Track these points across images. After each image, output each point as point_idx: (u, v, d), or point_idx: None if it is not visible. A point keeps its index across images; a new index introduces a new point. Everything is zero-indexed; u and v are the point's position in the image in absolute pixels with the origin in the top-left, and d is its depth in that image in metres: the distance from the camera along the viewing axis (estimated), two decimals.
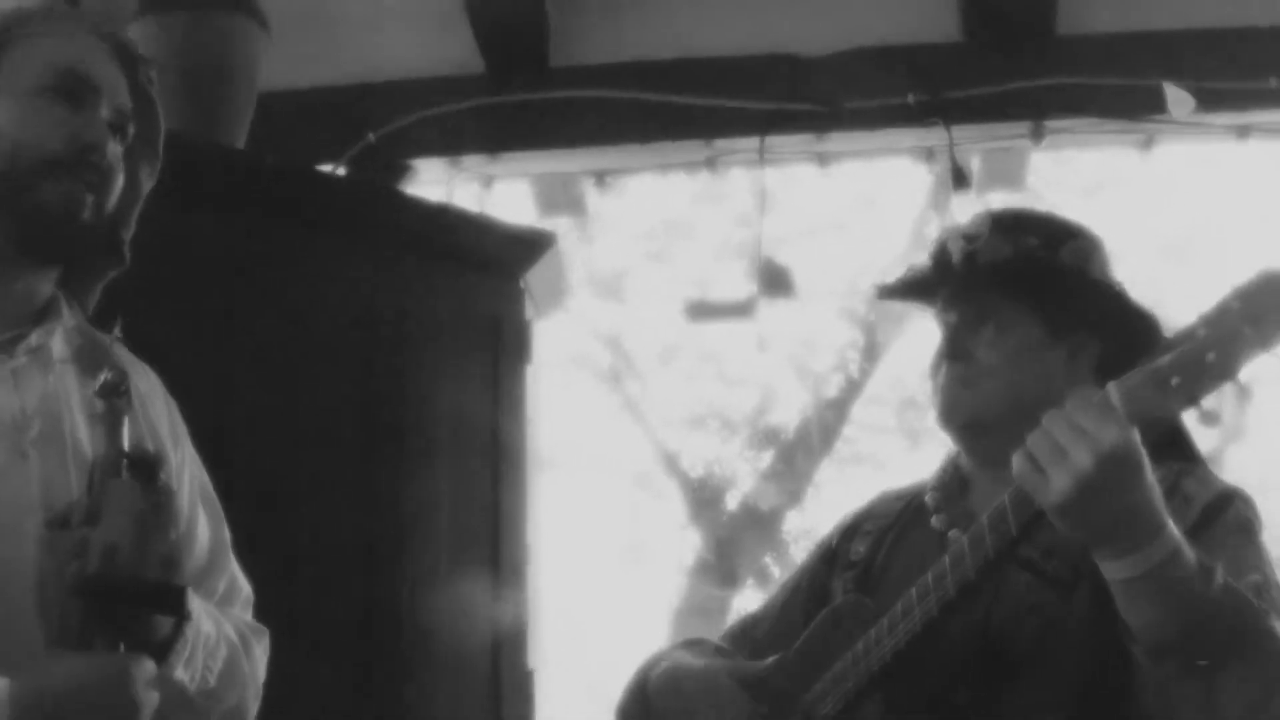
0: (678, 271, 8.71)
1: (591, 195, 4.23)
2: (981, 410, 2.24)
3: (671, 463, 9.68)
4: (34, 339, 2.05)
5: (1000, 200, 3.90)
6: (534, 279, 3.53)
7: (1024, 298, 2.26)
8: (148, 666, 1.82)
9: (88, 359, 2.06)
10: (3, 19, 2.13)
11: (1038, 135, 3.78)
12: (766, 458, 9.49)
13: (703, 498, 9.54)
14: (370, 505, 3.17)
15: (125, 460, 1.86)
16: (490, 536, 3.36)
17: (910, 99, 3.76)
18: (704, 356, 9.31)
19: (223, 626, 2.09)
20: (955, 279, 2.32)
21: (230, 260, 3.08)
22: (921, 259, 2.42)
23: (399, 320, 3.30)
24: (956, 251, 2.33)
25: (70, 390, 2.05)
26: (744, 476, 9.55)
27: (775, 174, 4.08)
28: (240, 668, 2.11)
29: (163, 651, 1.91)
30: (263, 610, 2.25)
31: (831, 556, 2.49)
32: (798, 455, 9.28)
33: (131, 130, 2.16)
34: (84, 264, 2.19)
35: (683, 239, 8.73)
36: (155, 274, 2.73)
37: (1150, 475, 1.86)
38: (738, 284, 4.01)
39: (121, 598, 1.80)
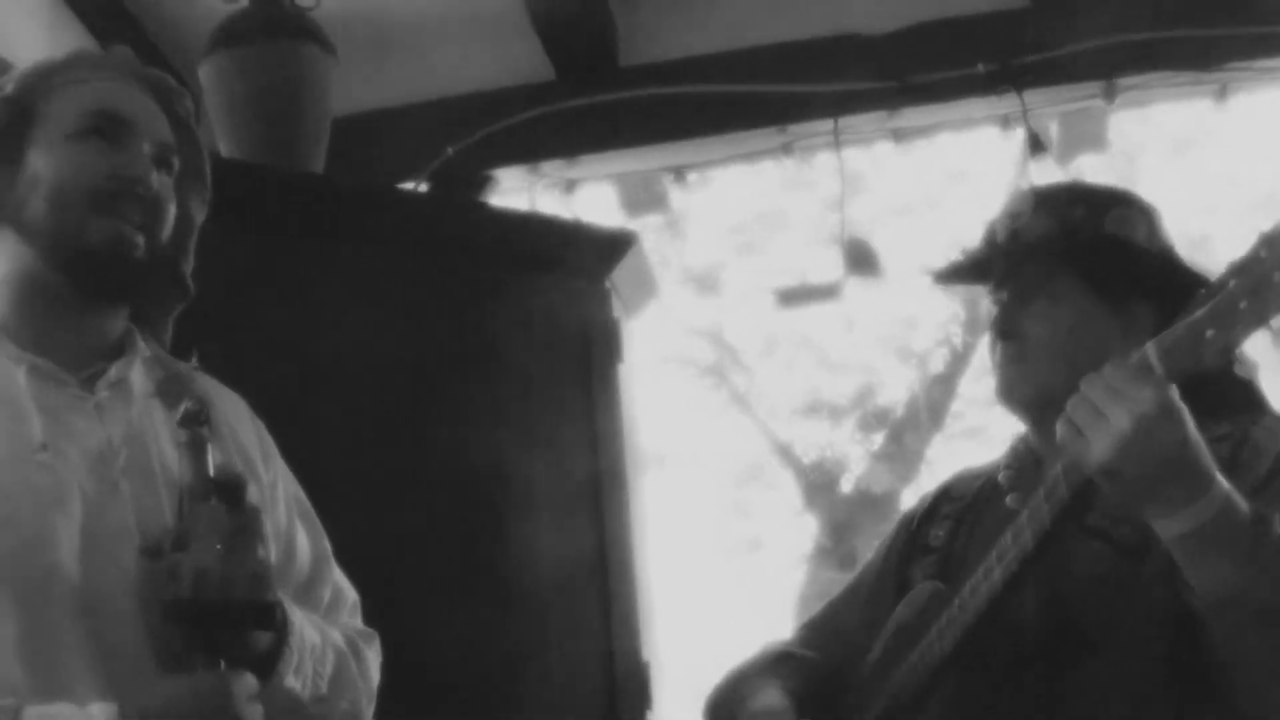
0: (771, 261, 8.72)
1: (674, 191, 4.25)
2: (1038, 386, 2.23)
3: (784, 452, 9.69)
4: (113, 373, 2.10)
5: (1084, 164, 3.91)
6: (620, 279, 3.54)
7: (1072, 270, 2.25)
8: (248, 681, 1.88)
9: (168, 389, 2.11)
10: (36, 71, 2.19)
11: (1110, 94, 3.75)
12: (877, 439, 9.48)
13: (816, 484, 9.54)
14: (470, 520, 3.18)
15: (211, 485, 1.91)
16: (596, 539, 3.36)
17: (980, 68, 3.75)
18: (804, 344, 9.32)
19: (329, 634, 2.14)
20: (1003, 257, 2.32)
21: (315, 286, 3.11)
22: (973, 242, 2.42)
23: (489, 330, 3.31)
24: (1002, 230, 2.33)
25: (154, 420, 2.10)
26: (856, 460, 9.55)
27: (862, 156, 4.10)
28: (350, 672, 2.16)
29: (268, 665, 1.96)
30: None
31: (911, 541, 2.49)
32: (907, 434, 9.26)
33: (176, 162, 2.19)
34: (151, 298, 2.23)
35: (773, 228, 8.73)
36: (239, 303, 2.83)
37: (1193, 431, 1.85)
38: (828, 268, 4.00)
39: (214, 619, 1.85)
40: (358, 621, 2.30)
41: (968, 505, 2.42)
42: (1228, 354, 1.84)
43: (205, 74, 3.49)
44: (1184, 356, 1.83)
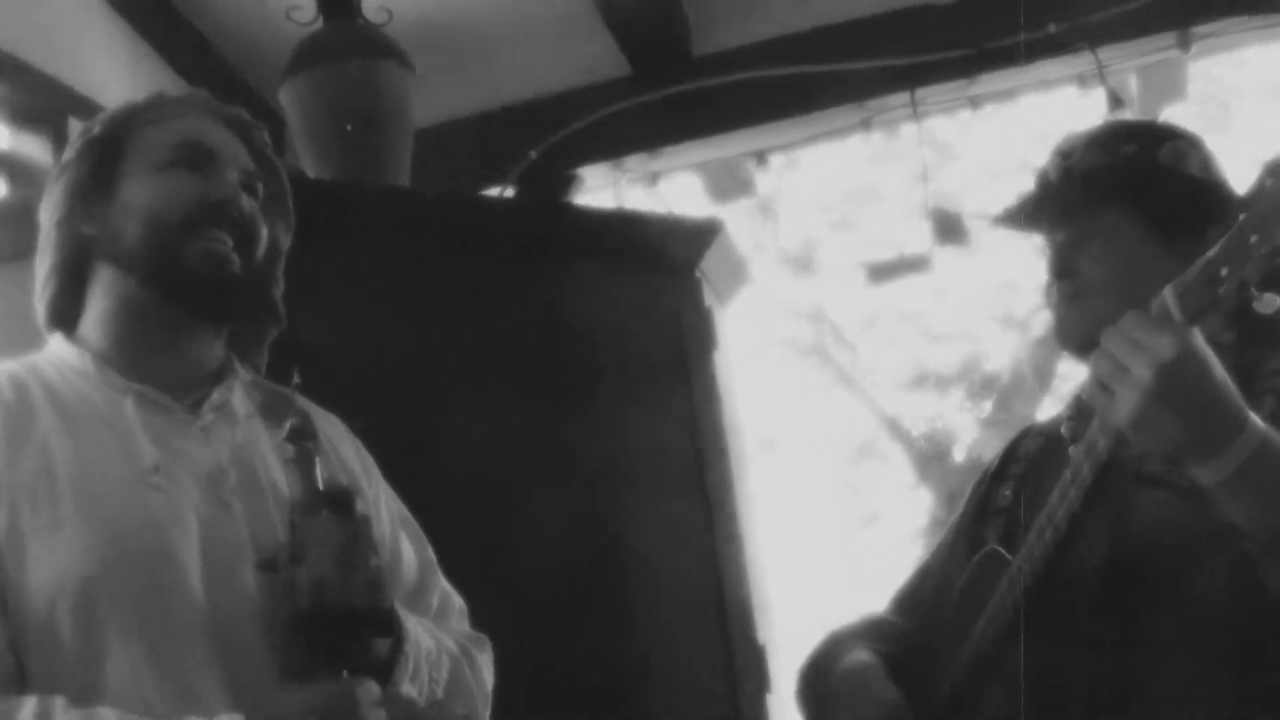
0: (864, 236, 8.70)
1: (758, 174, 4.27)
2: (1095, 326, 2.09)
3: (894, 426, 9.67)
4: (216, 397, 2.16)
5: (1172, 114, 3.89)
6: (710, 268, 3.56)
7: (1126, 204, 2.22)
8: (371, 688, 1.92)
9: (271, 408, 2.16)
10: (121, 112, 2.27)
11: (1185, 44, 3.72)
12: (986, 407, 9.43)
13: (928, 456, 9.51)
14: (579, 514, 3.20)
15: (321, 498, 1.95)
16: (705, 526, 3.38)
17: (1052, 28, 3.73)
18: (905, 318, 9.29)
19: (442, 640, 2.18)
20: (1057, 196, 2.29)
21: (410, 296, 3.16)
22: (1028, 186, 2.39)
23: (585, 328, 3.33)
24: (1054, 170, 2.31)
25: (260, 439, 2.15)
26: (966, 429, 9.51)
27: (947, 125, 4.08)
28: (465, 677, 2.20)
29: (385, 672, 2.00)
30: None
31: (982, 502, 2.47)
32: (1015, 400, 9.20)
33: (261, 189, 2.27)
34: (245, 323, 2.30)
35: (864, 203, 8.71)
36: (335, 321, 2.88)
37: (1219, 373, 1.82)
38: (918, 240, 4.00)
39: (334, 628, 1.89)
40: (466, 627, 2.34)
41: (1031, 463, 2.40)
42: (1245, 290, 1.77)
43: (286, 97, 3.54)
44: (1200, 298, 1.79)
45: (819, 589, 7.85)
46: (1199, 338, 1.81)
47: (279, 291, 2.34)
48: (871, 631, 2.54)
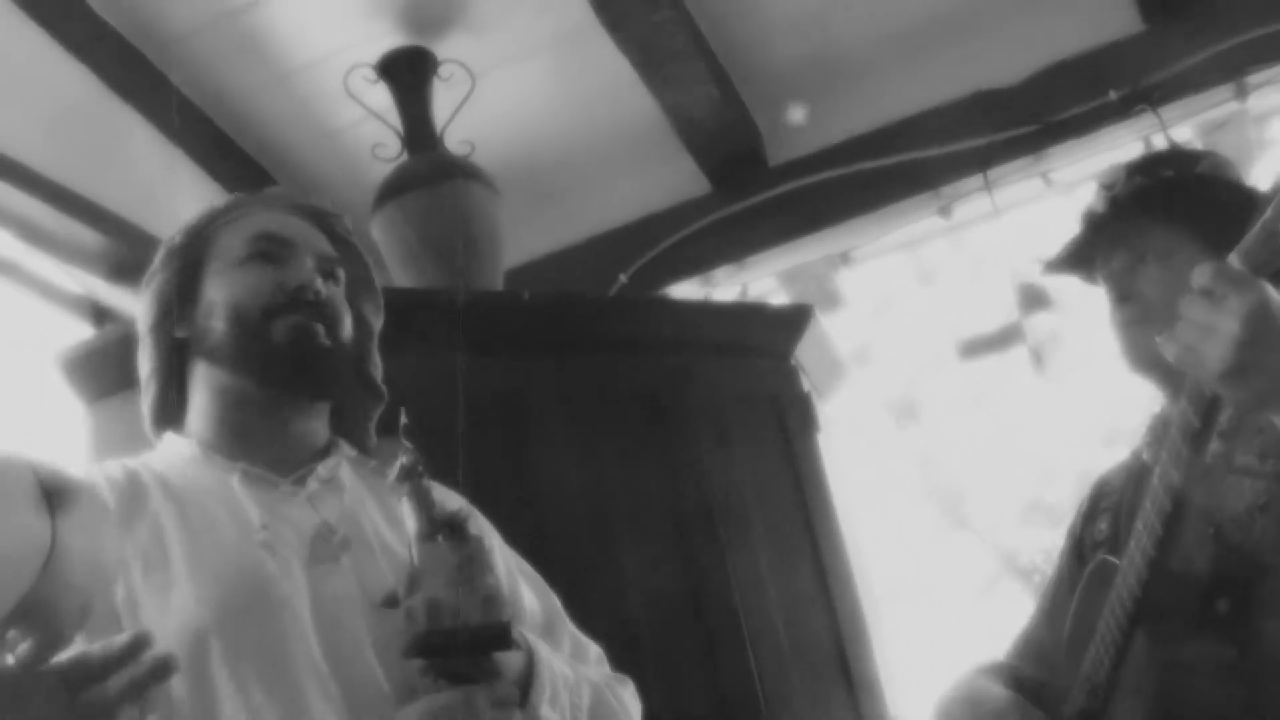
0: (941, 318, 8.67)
1: (842, 276, 4.34)
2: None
3: (1010, 561, 9.56)
4: (322, 471, 2.21)
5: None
6: (805, 358, 3.63)
7: (1174, 220, 2.29)
8: (493, 689, 1.91)
9: (376, 477, 2.22)
10: (201, 218, 2.36)
11: (1242, 94, 3.80)
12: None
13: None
14: (696, 597, 3.24)
15: (435, 525, 1.97)
16: (824, 601, 3.39)
17: (1112, 95, 3.84)
18: (1012, 451, 9.24)
19: (580, 670, 2.17)
20: (1106, 226, 2.37)
21: (514, 395, 3.24)
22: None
23: (688, 416, 3.40)
24: (1100, 202, 2.38)
25: (366, 502, 2.20)
26: None
27: (1020, 209, 4.13)
28: (610, 704, 2.19)
29: (522, 694, 1.99)
30: None
31: (1079, 545, 2.51)
32: None
33: (342, 273, 2.33)
34: (345, 401, 2.35)
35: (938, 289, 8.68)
36: (446, 420, 2.96)
37: None
38: (1004, 315, 4.05)
39: (452, 645, 1.89)
40: (606, 670, 2.33)
41: (1121, 492, 2.44)
42: None
43: (377, 227, 3.69)
44: (1262, 256, 1.84)
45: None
46: (1270, 287, 1.86)
47: (377, 370, 2.39)
48: (989, 672, 2.56)
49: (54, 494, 1.67)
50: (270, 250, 2.27)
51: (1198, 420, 2.00)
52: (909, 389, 9.16)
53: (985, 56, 4.02)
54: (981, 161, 4.01)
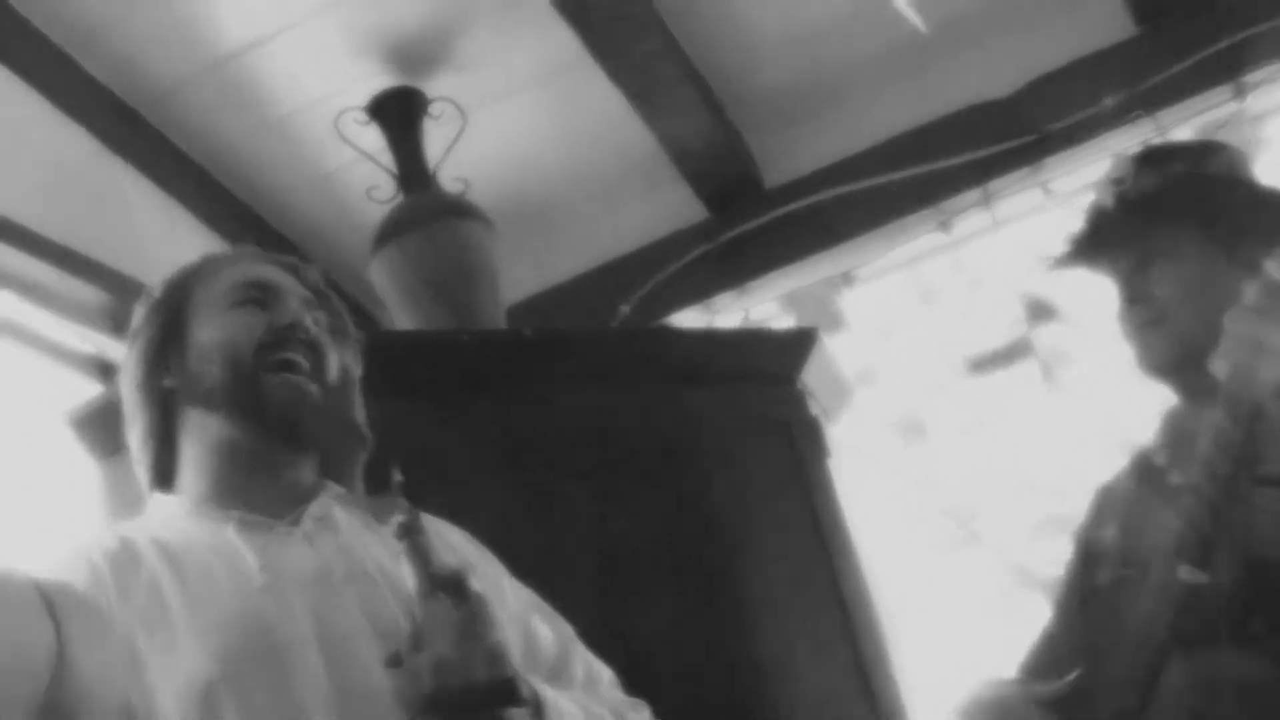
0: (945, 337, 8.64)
1: (844, 296, 4.31)
2: (1176, 347, 2.23)
3: (1024, 574, 9.51)
4: (315, 509, 2.22)
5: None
6: (812, 381, 3.60)
7: (1185, 221, 2.26)
8: None
9: (377, 510, 2.17)
10: (179, 274, 2.40)
11: (1240, 93, 3.77)
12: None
13: None
14: (716, 621, 3.20)
15: (435, 583, 1.97)
16: (846, 629, 3.36)
17: (1108, 101, 3.81)
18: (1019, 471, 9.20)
19: (591, 708, 2.17)
20: (1114, 224, 2.34)
21: (521, 433, 3.19)
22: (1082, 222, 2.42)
23: (697, 445, 3.37)
24: (1108, 198, 2.35)
25: (363, 536, 2.20)
26: None
27: (1025, 214, 4.11)
28: None
29: None
30: None
31: (1087, 553, 2.48)
32: None
33: (323, 318, 2.35)
34: (331, 447, 2.33)
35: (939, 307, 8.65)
36: (450, 462, 2.94)
37: None
38: (1010, 329, 4.03)
39: (459, 704, 1.89)
40: (619, 694, 2.33)
41: (1129, 499, 2.41)
42: None
43: (377, 270, 3.67)
44: None
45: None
46: None
47: (360, 415, 2.38)
48: (1005, 684, 2.54)
49: (56, 605, 1.67)
50: (258, 296, 2.31)
51: (1239, 434, 1.98)
52: (915, 408, 9.13)
53: (978, 69, 4.00)
54: (979, 175, 3.98)
